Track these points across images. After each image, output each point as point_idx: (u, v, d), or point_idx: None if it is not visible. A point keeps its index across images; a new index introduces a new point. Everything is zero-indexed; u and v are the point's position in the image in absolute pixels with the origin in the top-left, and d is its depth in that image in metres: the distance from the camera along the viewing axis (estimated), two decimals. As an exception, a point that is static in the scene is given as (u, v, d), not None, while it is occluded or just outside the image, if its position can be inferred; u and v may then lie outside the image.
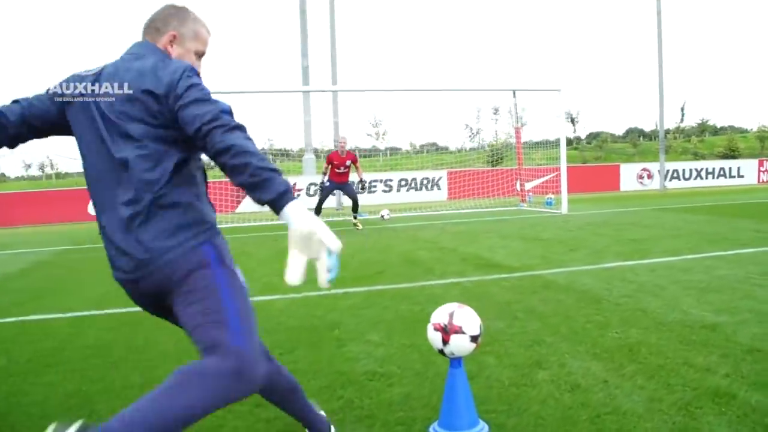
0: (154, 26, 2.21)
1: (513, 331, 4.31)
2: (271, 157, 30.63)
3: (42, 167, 42.38)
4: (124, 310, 5.76)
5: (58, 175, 39.53)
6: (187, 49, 2.23)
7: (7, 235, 16.08)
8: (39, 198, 20.77)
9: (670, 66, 64.05)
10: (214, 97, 2.00)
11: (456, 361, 2.73)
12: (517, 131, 18.11)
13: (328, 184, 12.53)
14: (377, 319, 4.91)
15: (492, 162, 26.38)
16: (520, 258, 7.61)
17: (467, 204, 18.37)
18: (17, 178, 46.64)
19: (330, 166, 12.37)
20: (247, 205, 20.22)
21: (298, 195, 20.48)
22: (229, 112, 1.97)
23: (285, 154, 26.51)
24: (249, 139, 1.89)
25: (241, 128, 1.89)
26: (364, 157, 38.50)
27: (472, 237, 10.13)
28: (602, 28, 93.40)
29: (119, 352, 4.40)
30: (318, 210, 12.62)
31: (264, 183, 1.82)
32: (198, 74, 2.04)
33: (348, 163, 12.35)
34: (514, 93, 17.06)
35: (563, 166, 14.70)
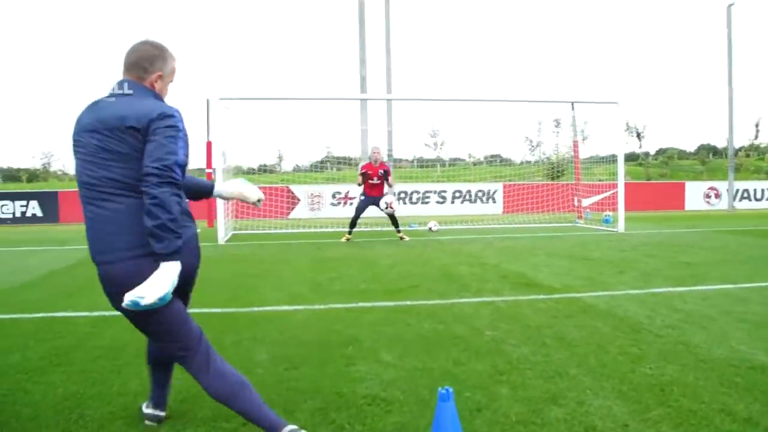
0: (141, 66, 2.57)
1: (536, 359, 3.98)
2: (329, 164, 30.80)
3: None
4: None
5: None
6: (166, 83, 2.67)
7: (71, 231, 16.50)
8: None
9: (744, 79, 61.24)
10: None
11: (445, 393, 2.44)
12: (575, 145, 17.51)
13: (363, 198, 12.19)
14: (396, 337, 4.66)
15: (552, 176, 25.71)
16: (562, 278, 7.21)
17: (521, 218, 17.87)
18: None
19: (364, 178, 12.06)
20: (300, 211, 20.29)
21: (351, 203, 20.35)
22: (179, 165, 2.40)
23: (347, 162, 26.39)
24: (176, 194, 2.34)
25: (175, 185, 2.34)
26: (421, 167, 38.21)
27: (518, 253, 9.74)
28: (674, 39, 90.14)
29: (128, 355, 4.30)
30: (354, 223, 12.32)
31: (162, 238, 2.30)
32: (176, 119, 2.46)
33: (381, 173, 12.00)
34: (572, 105, 16.53)
35: (621, 182, 14.08)
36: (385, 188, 12.25)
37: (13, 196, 20.48)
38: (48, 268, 8.89)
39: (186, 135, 2.48)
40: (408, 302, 5.96)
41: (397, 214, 12.18)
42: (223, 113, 13.69)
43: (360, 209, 12.21)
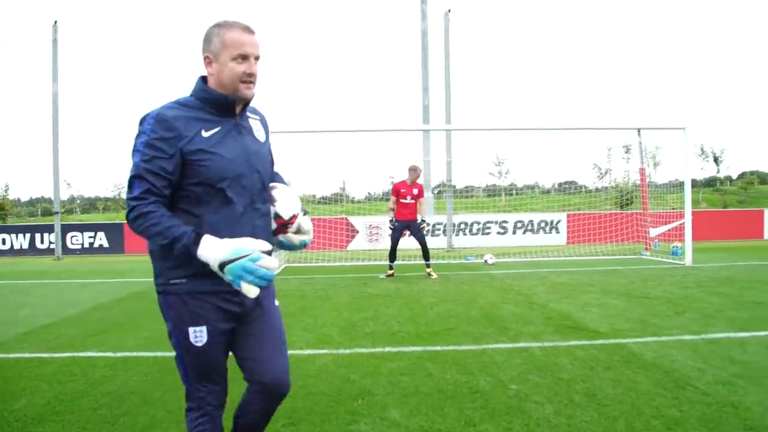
0: (203, 56, 2.35)
1: (558, 421, 3.58)
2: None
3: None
4: (171, 354, 5.57)
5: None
6: (222, 63, 2.29)
7: (133, 262, 16.84)
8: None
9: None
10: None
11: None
12: (642, 172, 16.72)
13: (396, 224, 11.37)
14: (413, 389, 4.33)
15: (621, 204, 24.71)
16: (612, 320, 6.68)
17: (586, 250, 17.12)
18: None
19: (396, 199, 11.26)
20: (359, 242, 20.14)
21: (410, 234, 20.05)
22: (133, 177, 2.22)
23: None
24: (135, 219, 2.21)
25: (132, 208, 2.20)
26: (489, 196, 37.56)
27: (571, 290, 9.19)
28: (756, 58, 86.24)
29: (130, 404, 4.20)
30: (393, 256, 11.65)
31: None
32: (144, 124, 2.24)
33: (415, 192, 11.25)
34: (638, 131, 15.83)
35: (687, 211, 13.25)
36: (423, 209, 11.47)
37: (81, 228, 21.42)
38: (95, 302, 9.01)
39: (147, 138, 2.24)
40: (438, 347, 5.61)
41: (456, 245, 11.44)
42: (284, 148, 13.78)
43: (396, 239, 11.47)
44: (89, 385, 4.63)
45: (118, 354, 5.63)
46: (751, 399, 3.93)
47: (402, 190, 11.29)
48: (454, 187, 21.91)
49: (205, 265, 2.17)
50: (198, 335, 2.36)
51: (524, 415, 3.72)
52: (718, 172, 44.90)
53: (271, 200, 2.50)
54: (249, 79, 2.31)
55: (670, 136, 15.83)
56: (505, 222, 21.33)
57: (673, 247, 15.08)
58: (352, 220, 20.74)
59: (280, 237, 2.56)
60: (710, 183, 43.34)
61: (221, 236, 2.20)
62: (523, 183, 44.42)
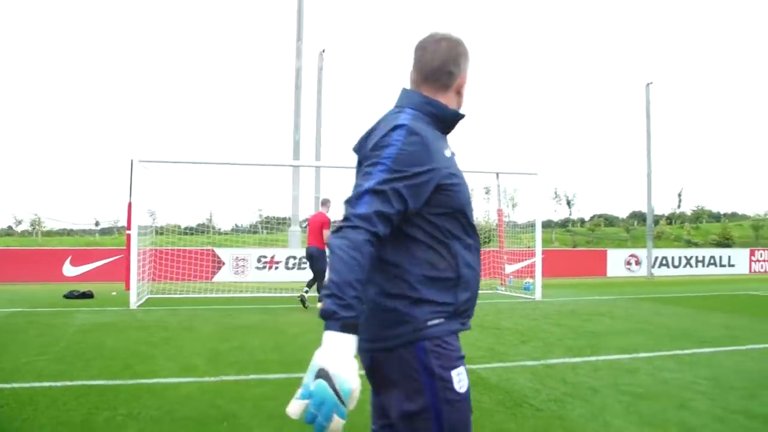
0: (446, 70, 1.94)
1: (408, 438, 3.91)
2: (260, 226, 30.34)
3: (33, 224, 41.87)
4: (28, 385, 5.42)
5: (44, 233, 39.23)
6: (462, 94, 2.02)
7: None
8: (19, 256, 20.39)
9: (669, 148, 64.18)
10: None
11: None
12: (499, 213, 17.95)
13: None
14: (277, 412, 4.51)
15: (481, 242, 26.12)
16: (465, 349, 7.02)
17: (447, 284, 17.92)
18: (5, 230, 45.57)
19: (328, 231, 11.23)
20: (224, 275, 19.87)
21: (277, 267, 20.11)
22: (367, 190, 1.73)
23: (281, 222, 25.91)
24: (345, 238, 1.68)
25: (351, 227, 1.69)
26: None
27: (431, 321, 9.71)
28: (604, 111, 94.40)
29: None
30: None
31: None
32: (393, 133, 1.81)
33: None
34: (497, 175, 17.00)
35: (538, 249, 14.41)
36: None
37: None
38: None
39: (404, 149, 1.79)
40: (302, 374, 5.79)
41: (326, 279, 11.59)
42: (144, 173, 13.47)
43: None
44: (-67, 418, 4.43)
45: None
46: (577, 413, 4.48)
47: (332, 221, 11.44)
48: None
49: (465, 304, 1.96)
50: (461, 378, 1.91)
51: (379, 432, 4.03)
52: (571, 214, 48.34)
53: None
54: None
55: (526, 181, 17.26)
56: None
57: (526, 282, 16.19)
58: (218, 251, 20.47)
59: None
60: (564, 224, 46.55)
61: (475, 274, 1.98)
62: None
